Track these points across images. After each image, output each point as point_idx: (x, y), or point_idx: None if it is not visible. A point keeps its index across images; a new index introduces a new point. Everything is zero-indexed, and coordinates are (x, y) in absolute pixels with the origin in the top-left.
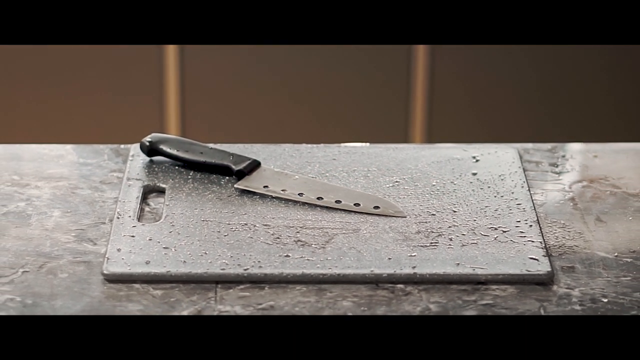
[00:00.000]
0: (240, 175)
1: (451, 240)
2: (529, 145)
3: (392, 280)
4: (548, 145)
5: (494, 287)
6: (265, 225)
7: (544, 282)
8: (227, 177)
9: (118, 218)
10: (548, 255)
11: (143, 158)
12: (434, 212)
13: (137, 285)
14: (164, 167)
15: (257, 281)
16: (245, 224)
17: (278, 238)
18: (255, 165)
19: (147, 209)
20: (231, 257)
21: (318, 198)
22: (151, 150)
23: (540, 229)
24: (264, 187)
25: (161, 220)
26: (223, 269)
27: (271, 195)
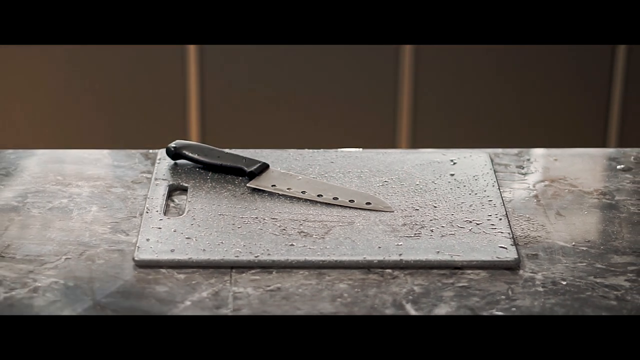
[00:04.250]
0: (252, 175)
1: (432, 231)
2: (499, 150)
3: (382, 265)
4: (515, 150)
5: (469, 271)
6: (273, 218)
7: (511, 267)
8: (241, 178)
9: (147, 212)
10: (515, 244)
11: (168, 161)
12: (418, 208)
13: (163, 270)
14: (186, 169)
15: (266, 266)
16: (256, 218)
17: (284, 230)
18: (264, 167)
19: (172, 204)
20: (244, 246)
21: (318, 195)
22: (175, 154)
23: (509, 222)
24: (272, 186)
25: (184, 215)
26: (237, 256)
27: (278, 193)
